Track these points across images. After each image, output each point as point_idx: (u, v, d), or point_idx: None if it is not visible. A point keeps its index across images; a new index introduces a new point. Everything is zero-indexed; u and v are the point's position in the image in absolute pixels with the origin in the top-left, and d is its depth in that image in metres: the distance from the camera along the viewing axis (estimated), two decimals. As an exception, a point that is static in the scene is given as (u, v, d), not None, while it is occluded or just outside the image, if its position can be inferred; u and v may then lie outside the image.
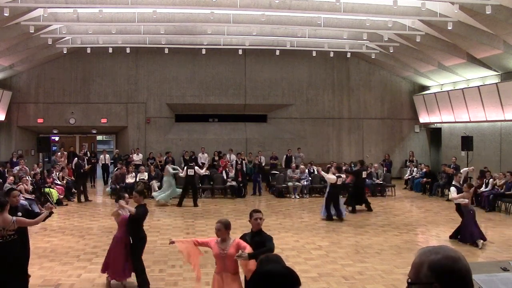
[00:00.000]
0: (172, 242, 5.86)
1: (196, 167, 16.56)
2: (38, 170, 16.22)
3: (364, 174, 15.61)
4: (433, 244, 10.80)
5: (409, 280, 1.84)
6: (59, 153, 19.81)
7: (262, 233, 5.53)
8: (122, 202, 7.54)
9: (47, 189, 15.10)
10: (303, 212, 14.68)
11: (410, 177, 20.29)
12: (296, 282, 2.08)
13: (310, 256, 9.38)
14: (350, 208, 14.54)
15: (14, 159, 18.84)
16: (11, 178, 13.70)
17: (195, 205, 15.50)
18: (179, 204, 15.48)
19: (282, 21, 16.73)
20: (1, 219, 6.14)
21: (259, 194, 18.31)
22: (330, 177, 13.44)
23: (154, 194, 16.31)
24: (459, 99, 19.79)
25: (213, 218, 13.48)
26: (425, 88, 23.50)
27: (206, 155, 21.21)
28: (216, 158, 20.97)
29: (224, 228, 5.35)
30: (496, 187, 15.04)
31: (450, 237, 10.68)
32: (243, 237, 5.54)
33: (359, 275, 8.05)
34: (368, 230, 11.85)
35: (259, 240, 5.37)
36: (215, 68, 22.86)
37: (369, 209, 14.79)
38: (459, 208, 10.72)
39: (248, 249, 5.17)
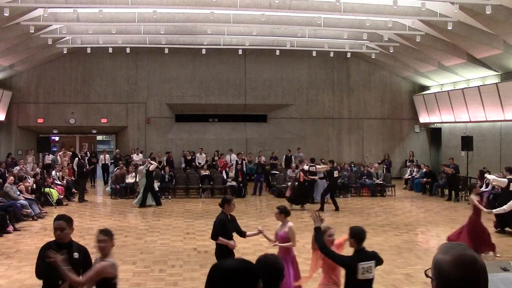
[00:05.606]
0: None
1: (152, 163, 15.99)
2: (38, 170, 16.21)
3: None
4: (433, 245, 10.68)
5: (427, 271, 1.94)
6: (61, 153, 19.79)
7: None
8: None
9: (47, 189, 15.10)
10: (303, 212, 14.68)
11: (410, 177, 20.28)
12: (255, 278, 2.04)
13: (310, 256, 9.34)
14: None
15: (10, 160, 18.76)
16: (11, 178, 13.66)
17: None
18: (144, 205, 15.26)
19: (282, 21, 16.73)
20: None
21: (259, 194, 18.32)
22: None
23: (135, 202, 15.39)
24: (459, 99, 19.78)
25: (213, 218, 13.44)
26: (425, 88, 23.50)
27: (204, 155, 21.17)
28: (216, 158, 20.97)
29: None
30: (496, 187, 15.01)
31: None
32: None
33: (359, 275, 8.03)
34: (368, 230, 11.65)
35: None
36: (215, 68, 22.86)
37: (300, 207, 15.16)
38: None
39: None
